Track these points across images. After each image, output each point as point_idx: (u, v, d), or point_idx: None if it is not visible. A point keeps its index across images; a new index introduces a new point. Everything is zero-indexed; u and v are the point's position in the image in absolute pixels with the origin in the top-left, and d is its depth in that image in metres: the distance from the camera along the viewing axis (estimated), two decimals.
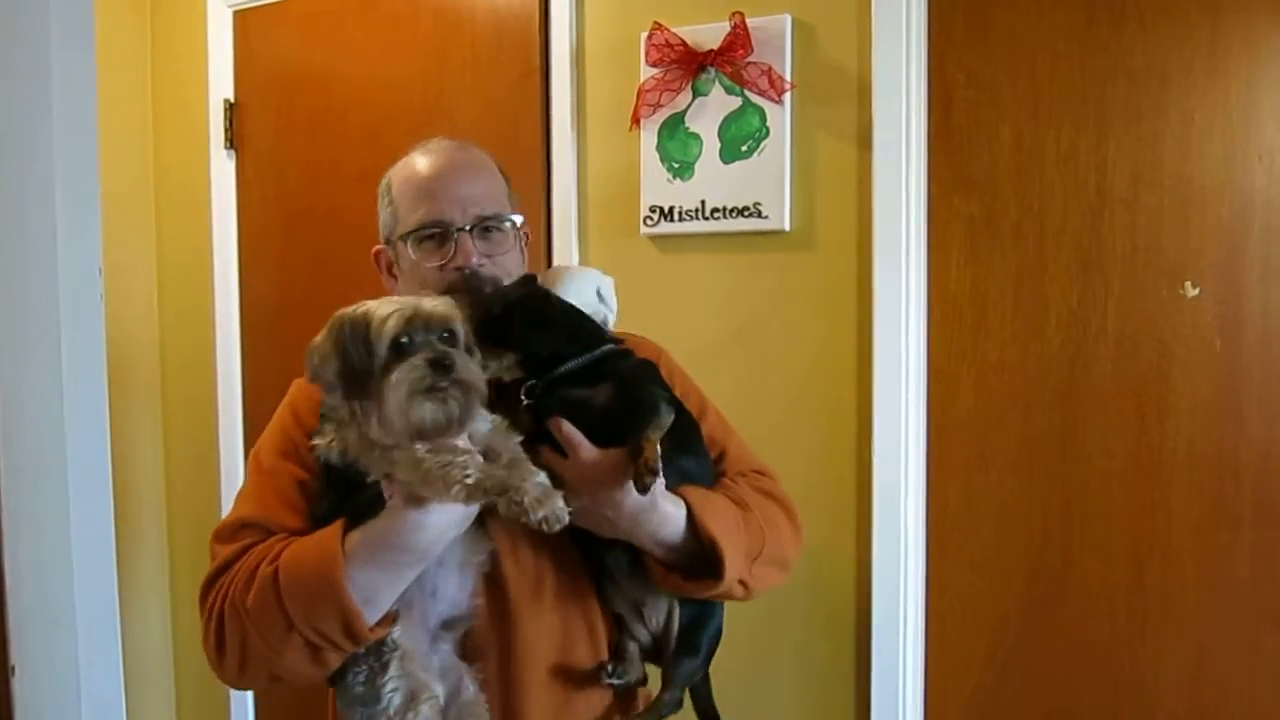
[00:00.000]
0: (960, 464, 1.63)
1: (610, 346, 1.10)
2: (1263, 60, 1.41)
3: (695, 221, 1.75)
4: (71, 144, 0.88)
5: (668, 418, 1.03)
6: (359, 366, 0.93)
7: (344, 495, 0.98)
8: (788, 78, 1.67)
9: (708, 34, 1.71)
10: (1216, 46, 1.44)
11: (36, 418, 0.85)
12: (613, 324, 1.35)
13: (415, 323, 0.92)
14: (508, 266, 1.18)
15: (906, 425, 1.63)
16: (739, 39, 1.67)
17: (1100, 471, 1.54)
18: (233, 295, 2.31)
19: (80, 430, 0.86)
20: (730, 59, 1.69)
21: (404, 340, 0.92)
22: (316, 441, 1.00)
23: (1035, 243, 1.56)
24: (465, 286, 1.14)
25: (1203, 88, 1.45)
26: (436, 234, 1.16)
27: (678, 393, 1.20)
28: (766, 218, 1.70)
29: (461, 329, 0.97)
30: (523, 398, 1.06)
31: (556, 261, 1.91)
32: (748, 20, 1.67)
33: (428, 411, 0.89)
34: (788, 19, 1.67)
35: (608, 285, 1.36)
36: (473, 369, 0.94)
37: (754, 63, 1.68)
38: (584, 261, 1.89)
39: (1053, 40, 1.53)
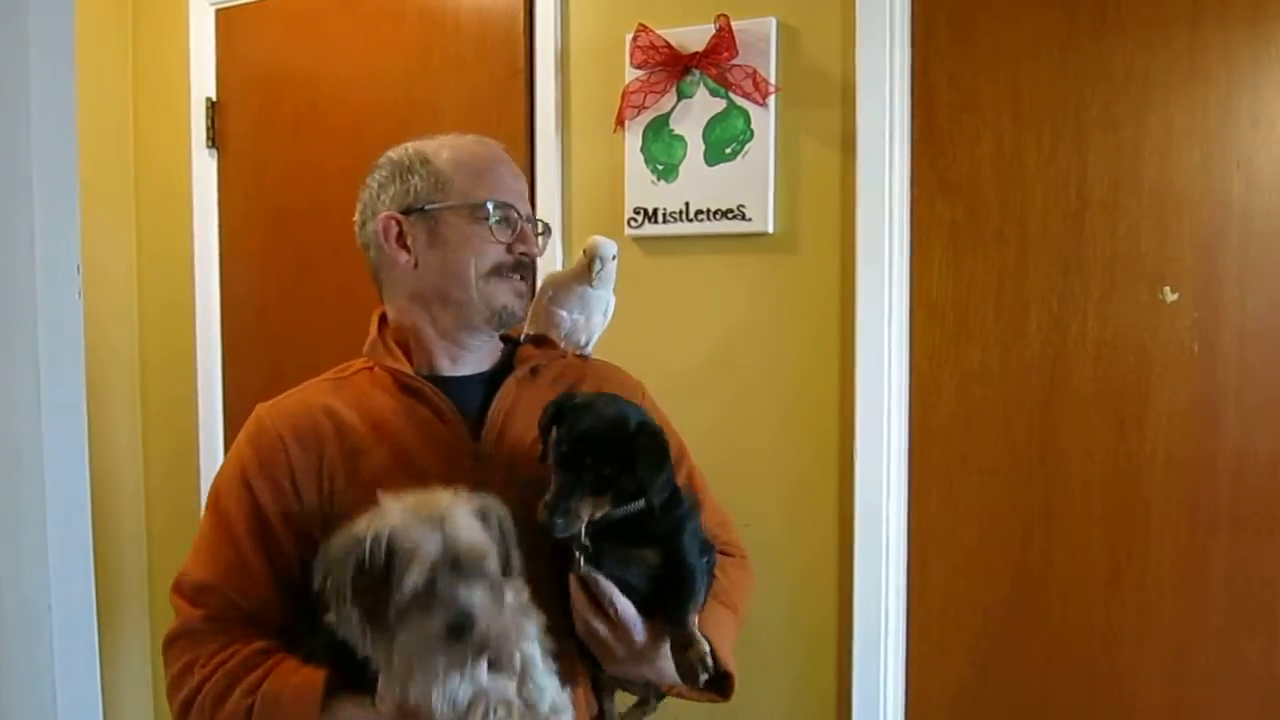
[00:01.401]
0: (942, 467, 1.64)
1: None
2: (1240, 68, 1.43)
3: (679, 223, 1.75)
4: (50, 142, 0.87)
5: (704, 592, 1.07)
6: (373, 596, 0.86)
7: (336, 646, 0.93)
8: (772, 80, 1.67)
9: (692, 36, 1.71)
10: (1195, 54, 1.45)
11: (13, 416, 0.84)
12: (597, 337, 1.39)
13: (442, 568, 0.85)
14: (537, 243, 1.24)
15: (889, 428, 1.63)
16: (724, 41, 1.68)
17: (1080, 475, 1.55)
18: (213, 294, 2.29)
19: (58, 429, 0.85)
20: (715, 61, 1.69)
21: (428, 585, 0.85)
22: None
23: (1017, 247, 1.57)
24: (519, 272, 1.19)
25: (1182, 94, 1.46)
26: (507, 215, 1.18)
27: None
28: (750, 220, 1.70)
29: (495, 562, 0.90)
30: (579, 557, 1.04)
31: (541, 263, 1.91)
32: (733, 23, 1.67)
33: (441, 691, 0.84)
34: (772, 22, 1.67)
35: (611, 302, 1.39)
36: (500, 618, 0.87)
37: (739, 65, 1.68)
38: (567, 263, 1.89)
39: (1034, 46, 1.54)
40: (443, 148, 1.21)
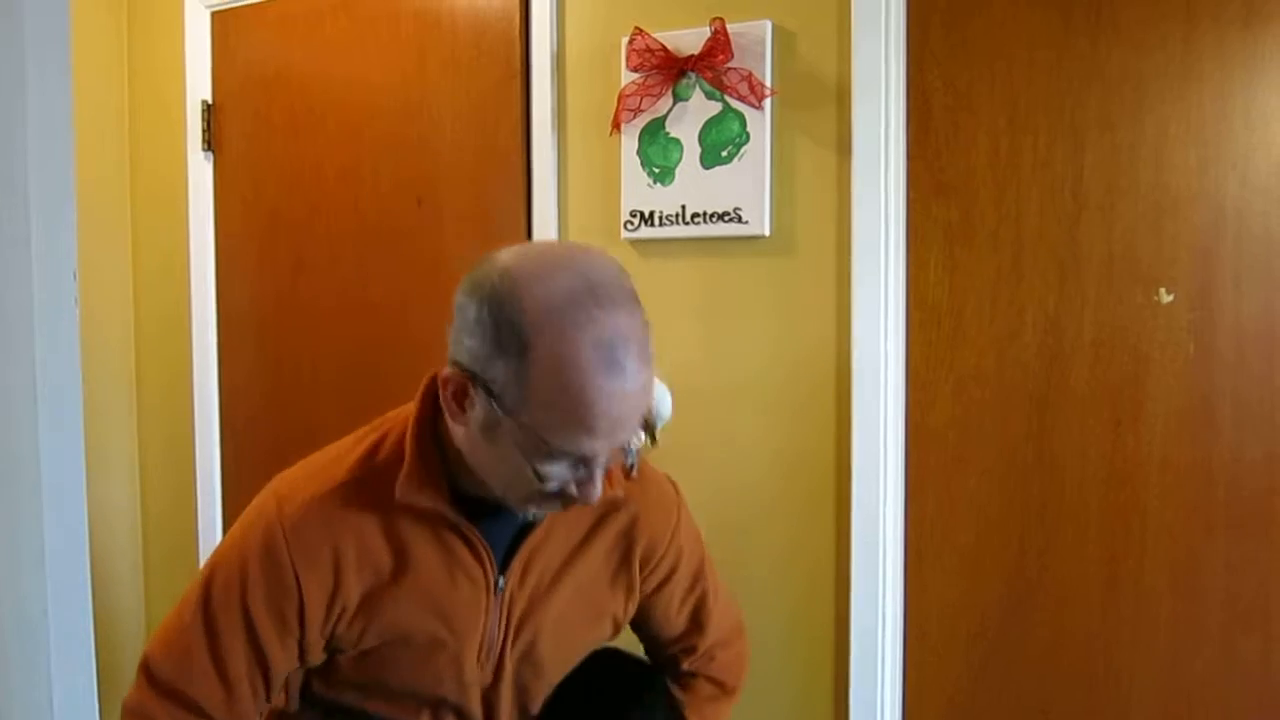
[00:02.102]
0: (938, 469, 1.64)
1: None
2: (1234, 70, 1.43)
3: (675, 226, 1.76)
4: (46, 145, 0.87)
5: None
6: None
7: None
8: (768, 83, 1.67)
9: (688, 39, 1.72)
10: (1190, 56, 1.46)
11: (9, 422, 0.84)
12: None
13: None
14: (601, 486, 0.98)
15: (885, 430, 1.64)
16: (719, 44, 1.68)
17: (1076, 476, 1.55)
18: (209, 297, 2.29)
19: (54, 435, 0.85)
20: (711, 64, 1.69)
21: None
22: None
23: (1012, 249, 1.58)
24: (563, 505, 0.98)
25: (1177, 97, 1.47)
26: (575, 464, 0.94)
27: (686, 556, 1.19)
28: (746, 223, 1.70)
29: None
30: None
31: None
32: (728, 26, 1.67)
33: None
34: (768, 25, 1.68)
35: (666, 401, 1.30)
36: None
37: (734, 68, 1.68)
38: None
39: (1030, 48, 1.55)
40: (557, 338, 0.89)
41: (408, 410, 1.11)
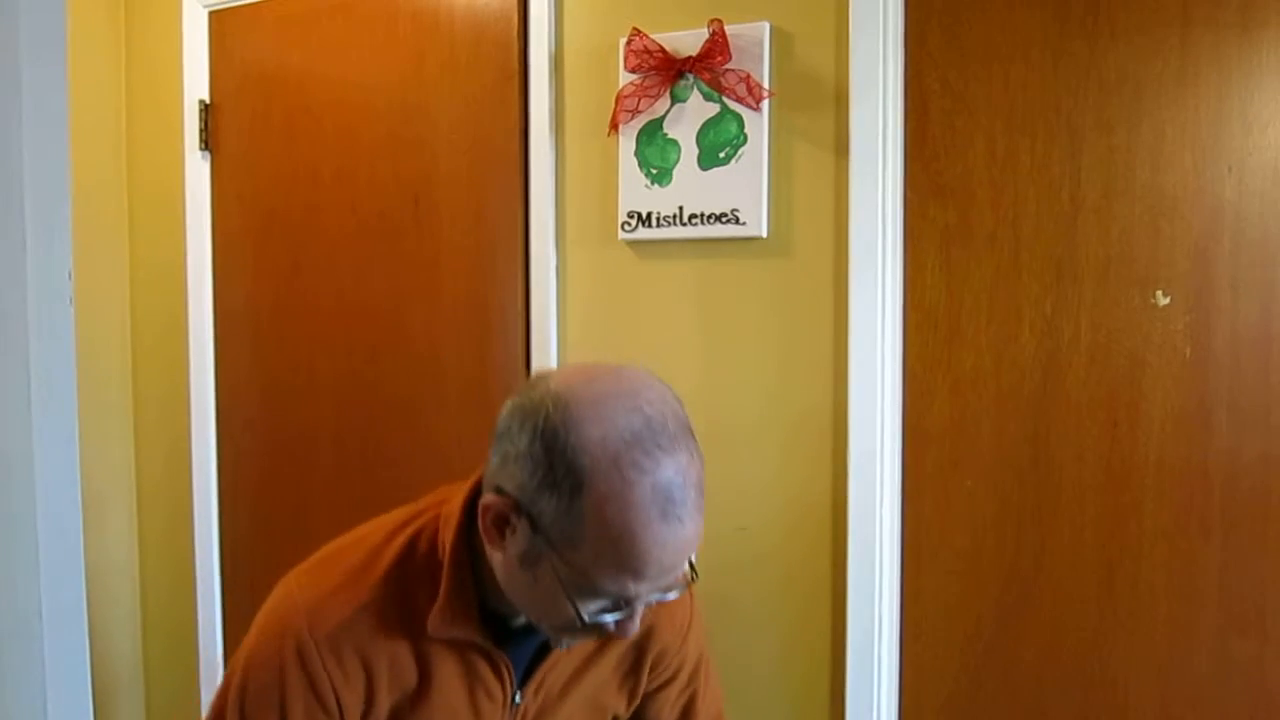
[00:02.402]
0: (935, 471, 1.64)
1: None
2: (1231, 73, 1.43)
3: (673, 227, 1.75)
4: (42, 145, 0.87)
5: None
6: None
7: None
8: (766, 85, 1.67)
9: (686, 40, 1.71)
10: (1186, 59, 1.46)
11: (4, 423, 0.83)
12: None
13: None
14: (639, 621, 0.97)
15: (882, 431, 1.64)
16: (717, 46, 1.68)
17: (1072, 478, 1.55)
18: (206, 298, 2.29)
19: (49, 437, 0.85)
20: (709, 66, 1.69)
21: None
22: None
23: (1009, 251, 1.58)
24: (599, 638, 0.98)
25: (1173, 99, 1.47)
26: (621, 606, 0.93)
27: (690, 657, 1.18)
28: (744, 224, 1.70)
29: None
30: None
31: (535, 265, 1.91)
32: (726, 27, 1.67)
33: None
34: (766, 27, 1.68)
35: None
36: None
37: (732, 70, 1.68)
38: (560, 266, 1.89)
39: (1026, 50, 1.55)
40: (613, 482, 0.87)
41: (443, 510, 1.05)
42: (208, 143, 2.26)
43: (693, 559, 0.97)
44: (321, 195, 2.14)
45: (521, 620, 1.02)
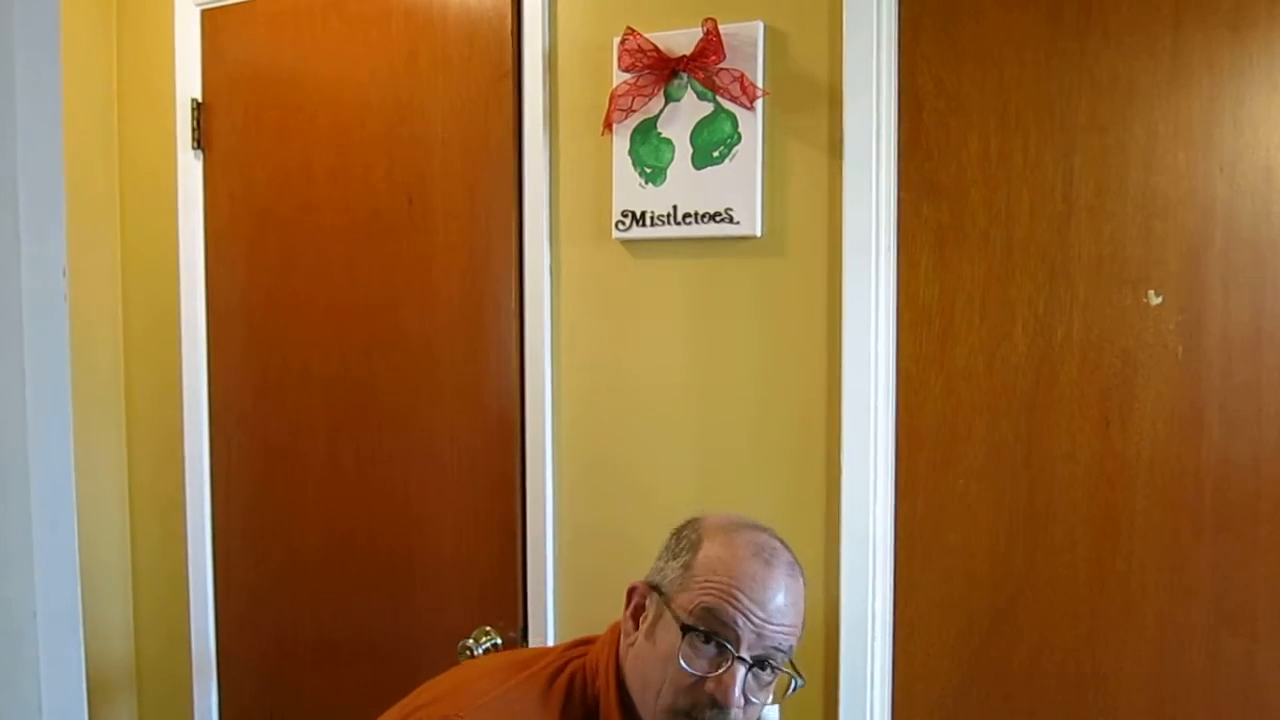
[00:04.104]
0: (928, 469, 1.65)
1: None
2: (1222, 74, 1.44)
3: (667, 226, 1.76)
4: (35, 144, 0.87)
5: None
6: None
7: None
8: (760, 84, 1.67)
9: (680, 39, 1.72)
10: (1179, 59, 1.46)
11: None
12: None
13: None
14: (755, 712, 1.08)
15: (875, 430, 1.64)
16: (711, 45, 1.68)
17: (1064, 477, 1.56)
18: (199, 296, 2.28)
19: (43, 435, 0.84)
20: (703, 65, 1.69)
21: None
22: None
23: (1002, 250, 1.58)
24: (705, 717, 1.03)
25: (1165, 99, 1.47)
26: (715, 641, 1.03)
27: None
28: (738, 223, 1.70)
29: None
30: None
31: (529, 264, 1.91)
32: (720, 27, 1.67)
33: None
34: (760, 26, 1.68)
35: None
36: None
37: (726, 69, 1.68)
38: (554, 265, 1.89)
39: (1020, 50, 1.55)
40: (722, 540, 1.08)
41: (588, 657, 1.16)
42: (200, 141, 2.25)
43: (796, 665, 1.09)
44: (314, 193, 2.14)
45: None
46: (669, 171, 1.75)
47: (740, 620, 1.03)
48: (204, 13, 2.23)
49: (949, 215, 1.61)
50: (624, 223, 1.79)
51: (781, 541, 1.15)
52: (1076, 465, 1.55)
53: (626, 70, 1.76)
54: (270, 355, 2.22)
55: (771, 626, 1.05)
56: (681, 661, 1.02)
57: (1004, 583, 1.61)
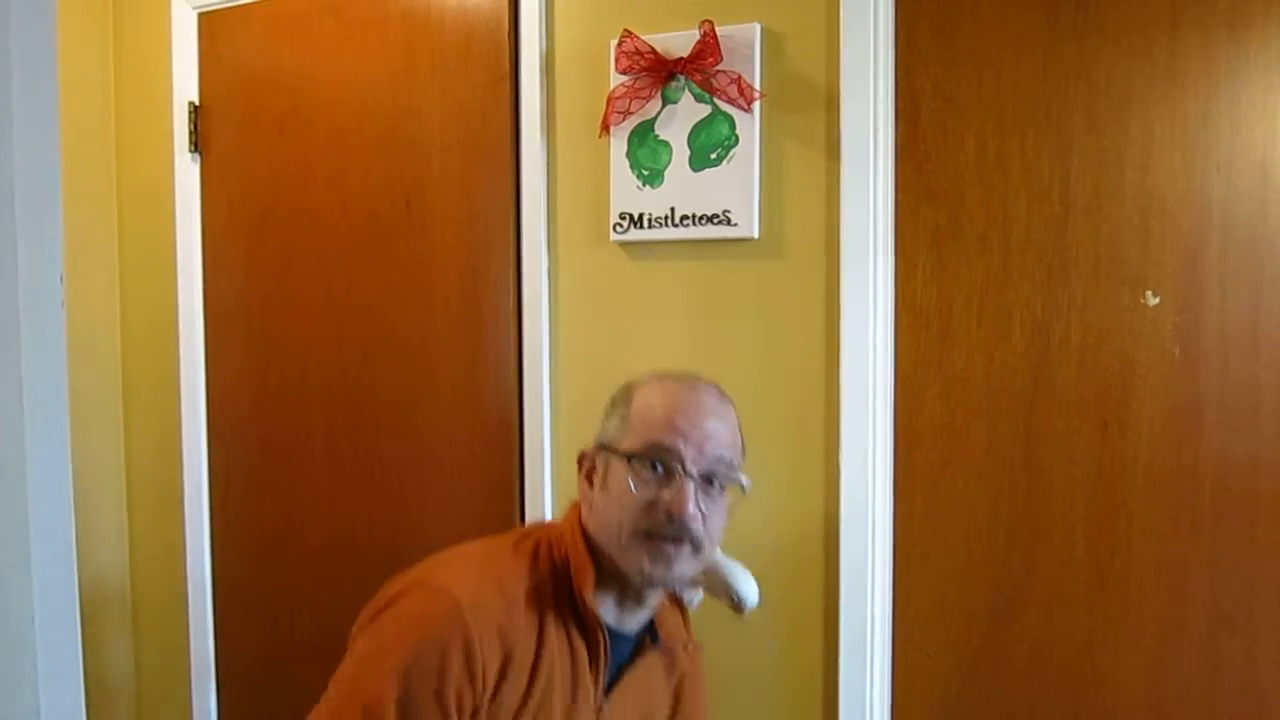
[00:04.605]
0: (926, 470, 1.65)
1: None
2: (1219, 74, 1.44)
3: (665, 229, 1.76)
4: (33, 148, 0.87)
5: None
6: None
7: None
8: (757, 86, 1.68)
9: (677, 42, 1.72)
10: (1175, 60, 1.47)
11: None
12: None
13: None
14: (713, 528, 1.14)
15: (874, 432, 1.64)
16: (708, 47, 1.68)
17: (1063, 478, 1.56)
18: (196, 299, 2.28)
19: (41, 440, 0.84)
20: (700, 67, 1.70)
21: None
22: None
23: (1000, 252, 1.58)
24: (667, 534, 1.09)
25: (1162, 100, 1.48)
26: (662, 466, 1.10)
27: (697, 706, 1.31)
28: (736, 225, 1.71)
29: None
30: None
31: (526, 266, 1.91)
32: (717, 29, 1.67)
33: None
34: (757, 28, 1.68)
35: (747, 588, 1.40)
36: None
37: (723, 71, 1.68)
38: (552, 268, 1.89)
39: (1017, 52, 1.56)
40: (653, 386, 1.16)
41: (553, 530, 1.21)
42: (197, 144, 2.25)
43: (743, 480, 1.16)
44: (312, 197, 2.14)
45: (618, 624, 1.17)
46: (666, 174, 1.75)
47: (679, 442, 1.10)
48: (201, 16, 2.22)
49: (947, 217, 1.61)
50: (622, 225, 1.79)
51: (712, 382, 1.22)
52: (1075, 466, 1.55)
53: (624, 73, 1.76)
54: (268, 358, 2.22)
55: (710, 442, 1.12)
56: (631, 485, 1.09)
57: (1003, 582, 1.61)
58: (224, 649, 2.30)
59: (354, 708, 1.03)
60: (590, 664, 1.14)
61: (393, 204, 2.04)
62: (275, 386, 2.22)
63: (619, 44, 1.76)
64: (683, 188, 1.74)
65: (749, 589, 1.39)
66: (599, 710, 1.16)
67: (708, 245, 1.75)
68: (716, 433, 1.13)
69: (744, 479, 1.17)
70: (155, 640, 2.43)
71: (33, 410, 0.84)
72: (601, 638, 1.13)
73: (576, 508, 1.20)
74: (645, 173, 1.77)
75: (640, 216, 1.78)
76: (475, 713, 1.04)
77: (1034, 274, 1.56)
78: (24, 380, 0.84)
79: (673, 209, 1.75)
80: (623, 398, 1.17)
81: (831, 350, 1.67)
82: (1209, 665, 1.49)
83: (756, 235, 1.70)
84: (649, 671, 1.23)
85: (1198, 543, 1.48)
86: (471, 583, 1.09)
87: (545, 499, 1.91)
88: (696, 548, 1.11)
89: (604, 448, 1.15)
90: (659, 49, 1.73)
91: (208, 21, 2.22)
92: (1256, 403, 1.45)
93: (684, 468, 1.09)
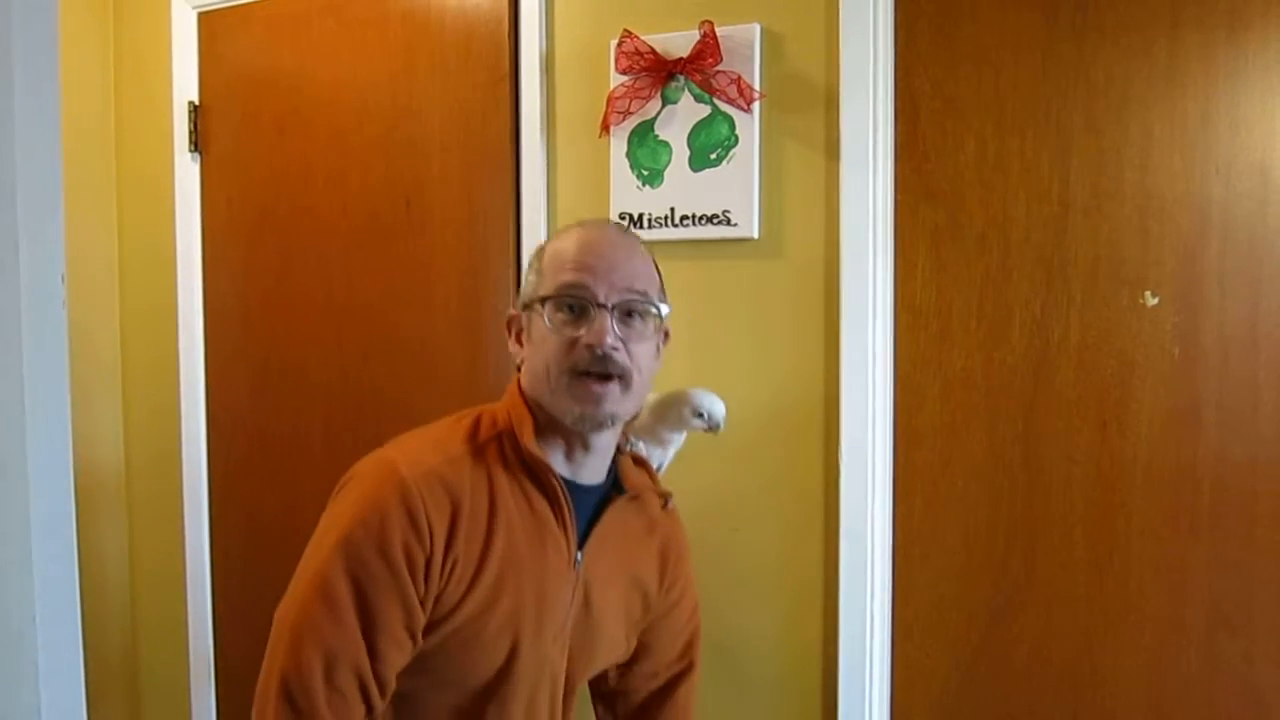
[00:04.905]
0: (926, 470, 1.65)
1: None
2: (1218, 75, 1.44)
3: (664, 229, 1.76)
4: (34, 148, 0.87)
5: None
6: None
7: None
8: (757, 87, 1.68)
9: (677, 42, 1.72)
10: (1174, 61, 1.47)
11: None
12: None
13: None
14: (640, 359, 1.16)
15: (873, 432, 1.64)
16: (708, 47, 1.68)
17: (1062, 478, 1.56)
18: (196, 298, 2.28)
19: (42, 441, 0.85)
20: (700, 67, 1.70)
21: None
22: None
23: (999, 252, 1.58)
24: (593, 367, 1.11)
25: (1161, 100, 1.48)
26: (577, 303, 1.13)
27: (690, 589, 1.37)
28: (735, 225, 1.71)
29: None
30: None
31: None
32: (717, 29, 1.68)
33: None
34: (757, 28, 1.68)
35: (710, 403, 1.40)
36: None
37: (723, 71, 1.69)
38: None
39: (1016, 52, 1.56)
40: (559, 237, 1.20)
41: (495, 403, 1.24)
42: (197, 144, 2.25)
43: (661, 308, 1.19)
44: (312, 197, 2.14)
45: (574, 475, 1.19)
46: (666, 174, 1.75)
47: (588, 278, 1.12)
48: (201, 16, 2.23)
49: (946, 217, 1.62)
50: (621, 225, 1.79)
51: (616, 223, 1.26)
52: (1074, 466, 1.55)
53: (623, 73, 1.76)
54: (268, 357, 2.22)
55: (618, 274, 1.13)
56: (550, 325, 1.12)
57: (1002, 582, 1.61)
58: (224, 645, 2.31)
59: (311, 589, 1.06)
60: (556, 517, 1.15)
61: (392, 204, 2.04)
62: (275, 386, 2.22)
63: (619, 44, 1.76)
64: (682, 188, 1.74)
65: (713, 403, 1.42)
66: (575, 564, 1.17)
67: (707, 245, 1.75)
68: (624, 265, 1.15)
69: (662, 306, 1.18)
70: (154, 637, 2.43)
71: (34, 409, 0.84)
72: (556, 485, 1.15)
73: (516, 379, 1.23)
74: (645, 173, 1.77)
75: (640, 216, 1.78)
76: (429, 565, 1.06)
77: (1033, 274, 1.56)
78: (25, 379, 0.84)
79: (672, 209, 1.75)
80: (536, 256, 1.20)
81: (831, 350, 1.67)
82: (1208, 665, 1.49)
83: (756, 235, 1.70)
84: (624, 524, 1.25)
85: (1197, 543, 1.49)
86: (411, 451, 1.12)
87: None
88: (625, 382, 1.13)
89: (525, 306, 1.18)
90: (659, 49, 1.73)
91: (208, 21, 2.22)
92: (1255, 402, 1.45)
93: (597, 302, 1.12)
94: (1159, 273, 1.49)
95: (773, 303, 1.72)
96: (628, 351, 1.13)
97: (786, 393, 1.72)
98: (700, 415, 1.39)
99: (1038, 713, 1.60)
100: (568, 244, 1.17)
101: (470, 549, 1.09)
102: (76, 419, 0.90)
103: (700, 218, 1.73)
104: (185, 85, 2.25)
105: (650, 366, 1.19)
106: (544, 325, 1.14)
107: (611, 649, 1.28)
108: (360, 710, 1.06)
